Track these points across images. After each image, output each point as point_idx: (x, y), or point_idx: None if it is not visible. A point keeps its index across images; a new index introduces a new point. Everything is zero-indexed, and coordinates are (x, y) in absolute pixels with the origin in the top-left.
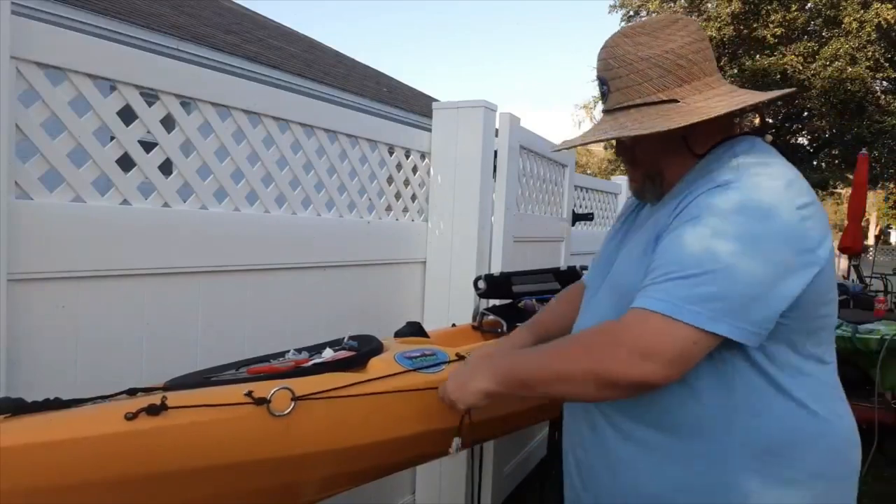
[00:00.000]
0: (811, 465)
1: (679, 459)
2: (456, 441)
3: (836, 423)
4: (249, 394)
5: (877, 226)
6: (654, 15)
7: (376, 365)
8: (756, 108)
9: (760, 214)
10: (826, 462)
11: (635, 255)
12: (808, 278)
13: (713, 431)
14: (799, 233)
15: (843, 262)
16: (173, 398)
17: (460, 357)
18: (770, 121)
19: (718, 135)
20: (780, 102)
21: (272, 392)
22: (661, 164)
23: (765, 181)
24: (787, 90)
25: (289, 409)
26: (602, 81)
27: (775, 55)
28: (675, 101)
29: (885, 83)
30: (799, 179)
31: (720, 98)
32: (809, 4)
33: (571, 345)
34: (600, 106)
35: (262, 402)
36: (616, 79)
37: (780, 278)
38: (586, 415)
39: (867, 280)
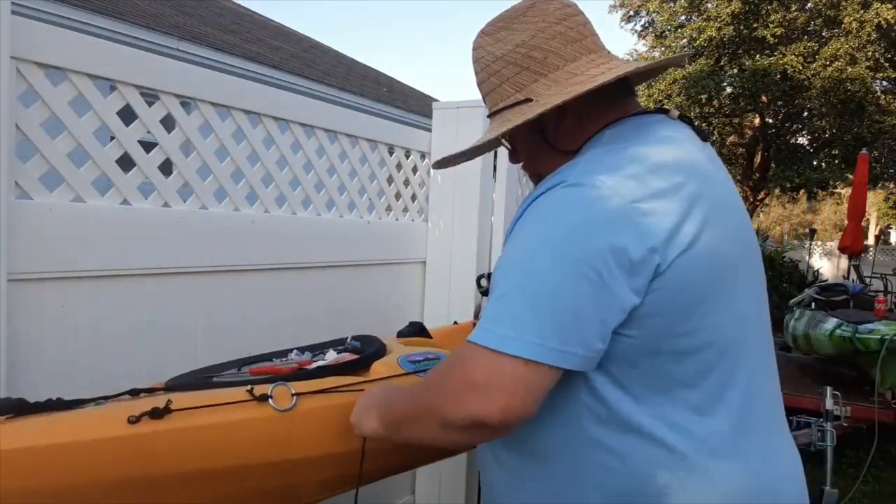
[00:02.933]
0: None
1: (535, 484)
2: None
3: (718, 473)
4: (251, 390)
5: (877, 226)
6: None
7: (379, 368)
8: (755, 107)
9: (567, 219)
10: None
11: None
12: (643, 282)
13: (567, 466)
14: (624, 230)
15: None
16: (177, 400)
17: None
18: (770, 120)
19: (594, 123)
20: (779, 102)
21: (272, 388)
22: (540, 168)
23: (591, 179)
24: (656, 63)
25: (291, 405)
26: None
27: (775, 55)
28: (530, 100)
29: (885, 83)
30: (657, 169)
31: (572, 87)
32: (809, 4)
33: (421, 383)
34: None
35: (264, 398)
36: (481, 84)
37: (597, 287)
38: None
39: (867, 280)
